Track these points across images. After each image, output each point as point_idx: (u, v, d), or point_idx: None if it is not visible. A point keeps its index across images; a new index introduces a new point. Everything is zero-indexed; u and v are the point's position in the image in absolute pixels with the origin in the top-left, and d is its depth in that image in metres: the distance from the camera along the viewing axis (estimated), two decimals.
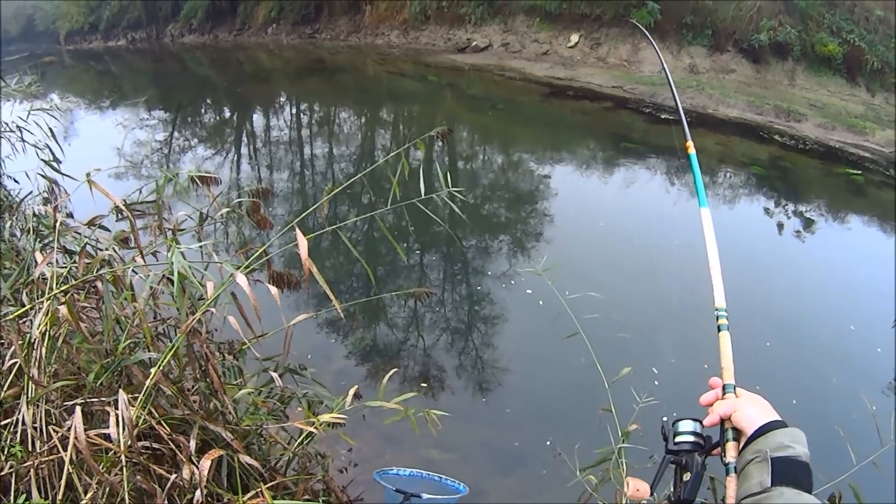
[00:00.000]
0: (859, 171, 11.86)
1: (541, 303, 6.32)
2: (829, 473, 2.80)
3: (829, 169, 12.25)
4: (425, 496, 3.16)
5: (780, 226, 9.66)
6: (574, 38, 19.51)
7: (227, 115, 17.72)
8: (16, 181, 4.84)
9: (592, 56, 18.81)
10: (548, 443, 4.47)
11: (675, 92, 2.57)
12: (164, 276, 2.51)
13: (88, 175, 2.55)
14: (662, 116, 14.27)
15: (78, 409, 1.89)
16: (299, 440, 2.78)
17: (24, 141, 4.77)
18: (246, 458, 2.16)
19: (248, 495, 1.78)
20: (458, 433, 4.51)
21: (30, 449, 2.09)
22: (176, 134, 14.20)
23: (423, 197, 3.02)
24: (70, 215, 3.34)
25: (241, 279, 2.18)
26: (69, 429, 1.91)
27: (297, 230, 2.33)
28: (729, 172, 11.84)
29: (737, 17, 16.79)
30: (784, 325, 6.30)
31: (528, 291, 6.66)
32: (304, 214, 2.80)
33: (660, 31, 17.72)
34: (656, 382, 5.22)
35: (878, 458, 2.79)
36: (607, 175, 11.52)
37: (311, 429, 2.58)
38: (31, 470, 2.04)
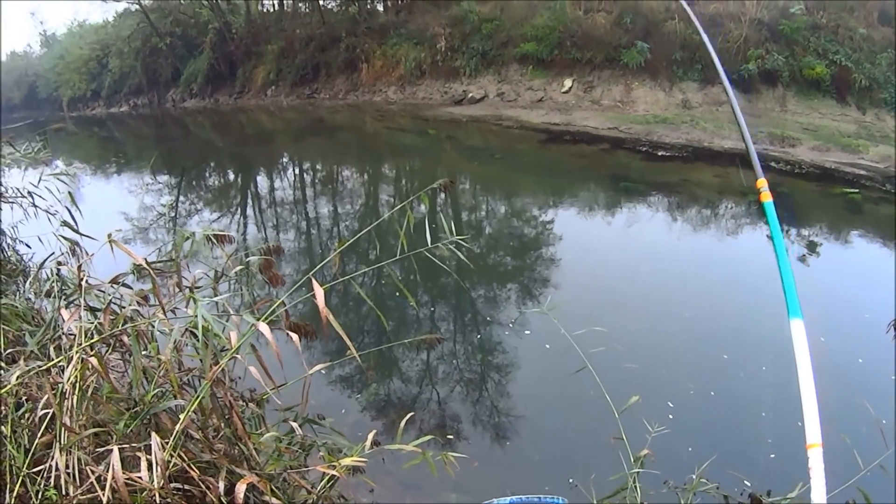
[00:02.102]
0: (856, 190, 11.99)
1: (547, 346, 6.43)
2: (837, 480, 2.88)
3: (827, 190, 12.39)
4: None
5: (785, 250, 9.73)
6: (567, 83, 20.01)
7: (231, 177, 18.07)
8: (28, 246, 4.97)
9: (587, 99, 19.26)
10: (575, 484, 4.49)
11: (745, 131, 2.43)
12: (186, 329, 2.67)
13: (110, 236, 2.73)
14: (659, 154, 14.52)
15: (115, 449, 2.02)
16: (322, 483, 2.89)
17: (35, 206, 4.91)
18: (274, 500, 2.28)
19: None
20: (475, 477, 4.56)
21: (63, 493, 2.22)
22: (181, 198, 14.50)
23: (430, 246, 3.17)
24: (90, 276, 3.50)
25: (263, 328, 2.34)
26: (105, 470, 2.04)
27: (314, 280, 2.50)
28: (729, 203, 11.99)
29: (724, 49, 17.20)
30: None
31: (528, 332, 6.80)
32: (317, 268, 2.97)
33: (650, 70, 18.19)
34: (671, 406, 5.28)
35: (883, 461, 2.87)
36: (609, 216, 11.67)
37: (333, 472, 2.69)
38: None
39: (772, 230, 1.98)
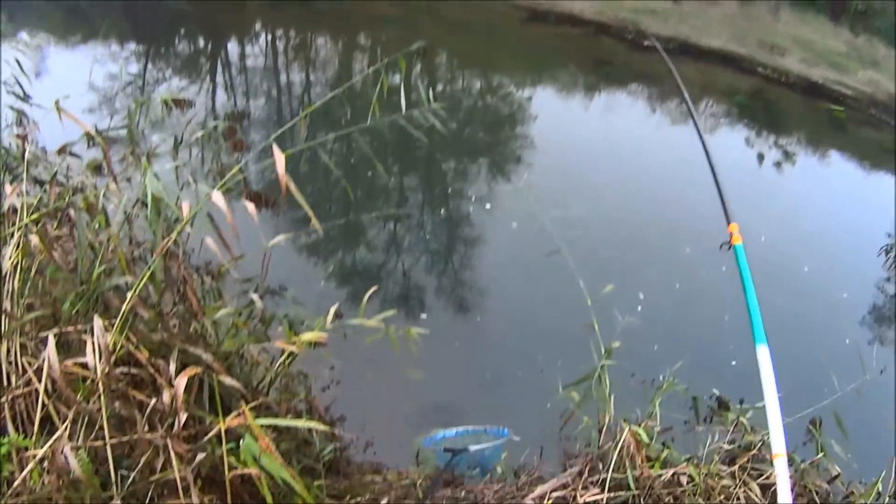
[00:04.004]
0: (841, 108, 11.84)
1: (514, 224, 6.29)
2: (812, 399, 2.86)
3: (812, 104, 12.24)
4: (472, 448, 3.26)
5: (761, 156, 9.65)
6: None
7: (202, 44, 16.96)
8: None
9: None
10: (541, 370, 4.45)
11: (717, 177, 2.65)
12: (138, 200, 2.39)
13: (57, 102, 2.38)
14: (644, 44, 13.97)
15: (51, 337, 1.78)
16: (281, 360, 2.73)
17: None
18: (227, 380, 2.09)
19: (230, 416, 1.72)
20: (438, 353, 4.50)
21: (4, 384, 2.00)
22: (150, 66, 13.58)
23: (404, 113, 2.91)
24: (43, 150, 3.18)
25: (217, 197, 2.07)
26: (44, 360, 1.82)
27: (275, 146, 2.21)
28: (711, 101, 11.74)
29: None
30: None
31: (498, 211, 6.63)
32: (279, 131, 2.66)
33: None
34: (641, 296, 5.27)
35: (859, 386, 2.85)
36: (587, 100, 11.35)
37: (293, 348, 2.52)
38: (6, 405, 1.95)
39: (741, 271, 2.15)
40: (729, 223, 2.42)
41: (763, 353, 1.95)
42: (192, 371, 1.77)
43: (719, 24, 15.27)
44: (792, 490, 2.51)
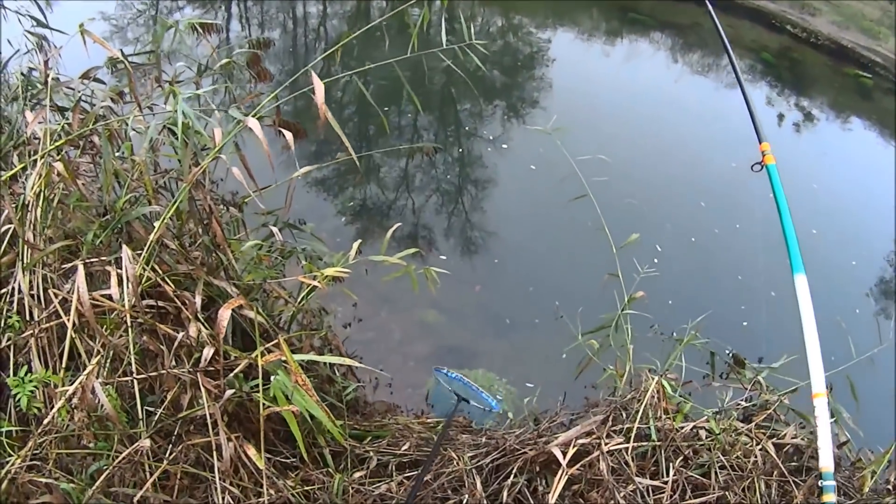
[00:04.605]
0: (869, 75, 11.51)
1: (533, 167, 6.20)
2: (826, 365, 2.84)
3: (839, 68, 11.90)
4: (472, 402, 3.45)
5: (781, 116, 9.46)
6: None
7: None
8: None
9: None
10: (560, 315, 4.42)
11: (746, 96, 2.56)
12: (164, 126, 2.30)
13: (82, 25, 2.27)
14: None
15: (81, 266, 1.73)
16: (302, 295, 2.69)
17: (4, 7, 4.31)
18: (253, 315, 2.06)
19: (261, 350, 1.68)
20: (456, 295, 4.48)
21: (28, 318, 1.96)
22: None
23: (444, 48, 2.81)
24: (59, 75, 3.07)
25: (253, 123, 1.99)
26: (69, 292, 1.77)
27: (313, 74, 2.12)
28: (736, 56, 11.41)
29: None
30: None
31: (531, 154, 6.50)
32: (314, 61, 2.56)
33: None
34: (658, 248, 5.23)
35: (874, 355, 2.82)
36: (610, 46, 11.07)
37: (315, 283, 2.48)
38: (31, 340, 1.91)
39: (775, 191, 2.06)
40: (760, 142, 2.33)
41: (801, 283, 1.87)
42: (235, 302, 1.73)
43: None
44: (804, 452, 2.54)
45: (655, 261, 5.02)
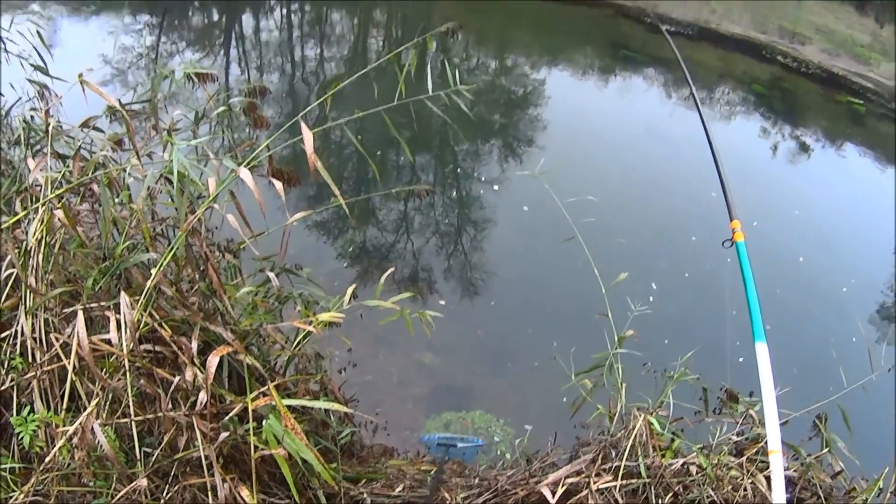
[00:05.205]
0: (860, 101, 11.67)
1: (525, 208, 6.30)
2: (817, 393, 2.88)
3: (831, 96, 12.06)
4: (459, 444, 3.67)
5: (775, 147, 9.57)
6: None
7: (216, 17, 16.83)
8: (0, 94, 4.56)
9: None
10: (554, 356, 4.46)
11: (721, 173, 2.64)
12: (161, 175, 2.39)
13: (81, 76, 2.37)
14: (664, 28, 13.81)
15: (80, 312, 1.81)
16: (297, 340, 2.75)
17: (7, 52, 4.46)
18: (248, 359, 2.12)
19: (254, 394, 1.75)
20: (451, 336, 4.53)
21: (30, 360, 2.03)
22: (163, 38, 13.48)
23: (431, 94, 2.90)
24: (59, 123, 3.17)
25: (244, 174, 2.08)
26: (70, 336, 1.85)
27: (302, 123, 2.21)
28: (728, 89, 11.62)
29: None
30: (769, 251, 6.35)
31: (513, 194, 6.61)
32: (306, 110, 2.66)
33: None
34: (653, 285, 5.26)
35: (866, 384, 2.86)
36: (603, 83, 11.27)
37: (310, 328, 2.54)
38: (34, 381, 1.98)
39: (742, 267, 2.26)
40: (731, 220, 2.44)
41: (762, 351, 2.00)
42: (223, 350, 1.79)
43: (741, 9, 15.05)
44: (797, 483, 2.57)
45: (651, 299, 5.07)
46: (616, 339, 3.03)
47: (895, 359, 2.99)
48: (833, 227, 7.37)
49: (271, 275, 2.97)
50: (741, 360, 4.66)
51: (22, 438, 1.84)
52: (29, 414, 1.88)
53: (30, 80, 3.37)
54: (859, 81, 12.62)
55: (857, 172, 9.54)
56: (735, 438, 2.81)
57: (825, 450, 2.77)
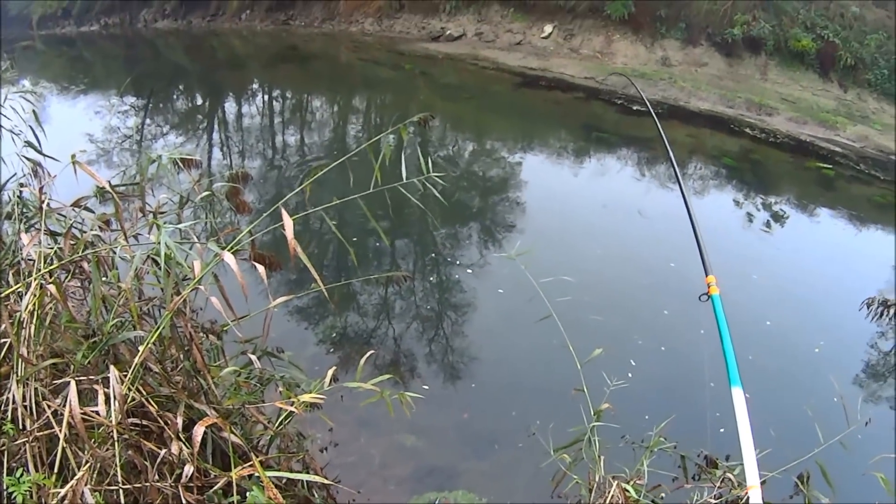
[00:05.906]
0: (830, 166, 12.09)
1: (500, 291, 6.46)
2: (797, 452, 2.95)
3: (800, 163, 12.49)
4: None
5: (750, 216, 9.85)
6: (548, 28, 19.56)
7: (200, 101, 17.42)
8: None
9: (566, 47, 18.88)
10: (533, 432, 4.50)
11: (696, 229, 2.82)
12: (148, 256, 2.52)
13: (74, 156, 2.54)
14: (634, 108, 14.41)
15: (73, 383, 1.89)
16: (280, 420, 2.81)
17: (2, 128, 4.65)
18: (232, 437, 2.18)
19: (239, 468, 1.81)
20: (432, 417, 4.56)
21: (21, 427, 2.10)
22: (148, 120, 13.93)
23: (405, 181, 3.08)
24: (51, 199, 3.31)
25: (228, 258, 2.20)
26: (61, 405, 1.92)
27: (283, 210, 2.36)
28: (699, 164, 12.02)
29: (711, 12, 16.97)
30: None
31: (489, 276, 6.80)
32: (286, 198, 2.82)
33: (633, 24, 17.88)
34: (632, 362, 5.33)
35: (843, 438, 2.94)
36: (578, 165, 11.65)
37: (292, 408, 2.61)
38: (26, 447, 2.04)
39: (718, 319, 2.36)
40: (707, 275, 2.57)
41: (738, 395, 2.10)
42: (208, 421, 1.87)
43: (708, 86, 15.74)
44: None
45: (630, 375, 5.15)
46: (593, 413, 3.11)
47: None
48: (809, 289, 7.52)
49: (253, 357, 3.06)
50: (722, 430, 4.74)
51: (15, 498, 1.89)
52: (21, 475, 1.94)
53: (23, 157, 3.52)
54: (827, 146, 13.10)
55: (831, 235, 9.78)
56: (713, 502, 2.85)
57: None
